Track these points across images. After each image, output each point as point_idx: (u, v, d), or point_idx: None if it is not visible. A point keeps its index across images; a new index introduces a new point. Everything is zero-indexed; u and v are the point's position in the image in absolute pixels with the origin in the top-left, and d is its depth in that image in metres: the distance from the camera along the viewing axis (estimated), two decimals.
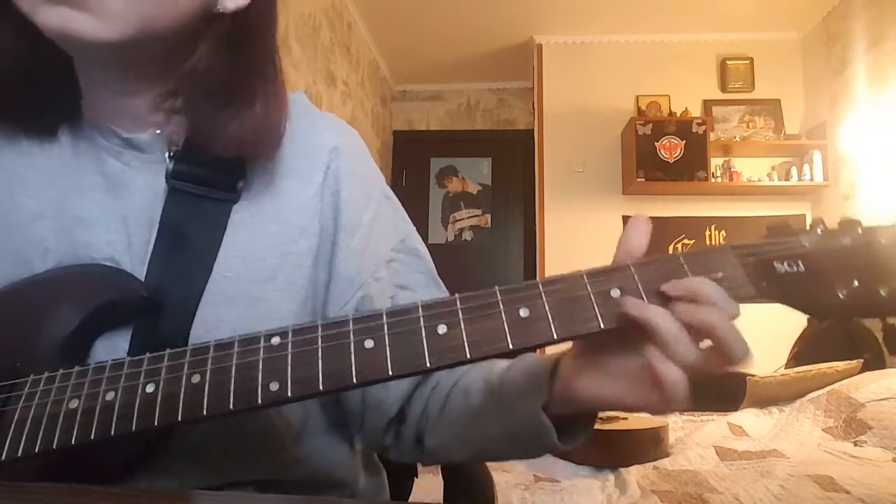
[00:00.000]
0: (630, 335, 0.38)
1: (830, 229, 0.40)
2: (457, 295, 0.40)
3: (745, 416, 2.11)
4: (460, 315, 0.39)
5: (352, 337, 0.39)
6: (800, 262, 0.39)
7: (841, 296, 0.37)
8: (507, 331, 0.38)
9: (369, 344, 0.38)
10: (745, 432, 1.98)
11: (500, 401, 0.49)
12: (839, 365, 2.11)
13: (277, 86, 0.54)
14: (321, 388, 0.38)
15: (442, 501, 0.69)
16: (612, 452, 1.75)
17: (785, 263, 0.39)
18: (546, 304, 0.39)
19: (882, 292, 0.37)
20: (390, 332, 0.39)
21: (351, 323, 0.39)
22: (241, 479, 0.52)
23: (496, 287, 0.40)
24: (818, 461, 1.63)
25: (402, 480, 0.75)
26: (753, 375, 2.29)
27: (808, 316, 0.39)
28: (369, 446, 0.62)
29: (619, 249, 0.41)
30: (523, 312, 0.38)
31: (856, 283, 0.37)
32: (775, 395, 2.17)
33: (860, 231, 0.39)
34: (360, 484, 0.62)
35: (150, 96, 0.52)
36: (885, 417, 1.76)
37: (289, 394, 0.38)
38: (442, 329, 0.38)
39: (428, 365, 0.38)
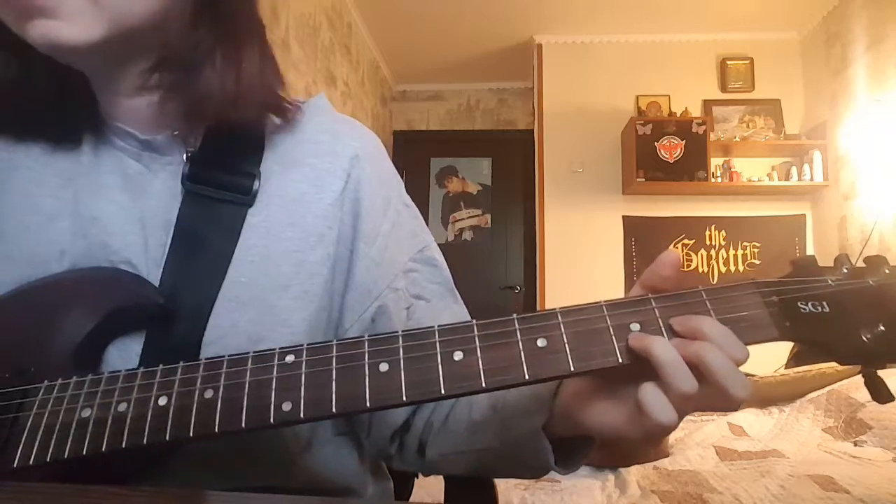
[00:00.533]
0: (642, 367, 0.37)
1: (856, 268, 0.39)
2: (474, 321, 0.39)
3: (745, 416, 2.11)
4: (477, 342, 0.38)
5: (366, 359, 0.39)
6: (825, 303, 0.38)
7: (865, 339, 0.36)
8: (523, 361, 0.38)
9: (384, 367, 0.38)
10: (745, 432, 1.98)
11: (502, 416, 0.49)
12: (839, 365, 2.11)
13: (254, 48, 0.53)
14: (334, 410, 0.37)
15: (442, 502, 0.69)
16: (612, 452, 1.75)
17: (809, 304, 0.38)
18: (564, 336, 0.38)
19: None
20: (406, 356, 0.38)
21: (366, 344, 0.39)
22: (248, 485, 0.51)
23: (514, 315, 0.39)
24: (818, 461, 1.63)
25: (403, 480, 0.75)
26: (753, 375, 2.29)
27: (830, 360, 0.39)
28: (374, 455, 0.62)
29: (644, 278, 0.40)
30: (540, 342, 0.38)
31: (881, 327, 0.36)
32: (775, 395, 2.17)
33: (887, 271, 0.38)
34: (367, 492, 0.62)
35: (140, 89, 0.51)
36: (885, 417, 1.76)
37: (301, 415, 0.37)
38: (458, 356, 0.38)
39: (442, 392, 0.37)
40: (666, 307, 0.38)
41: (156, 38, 0.49)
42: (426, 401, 0.38)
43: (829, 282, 0.38)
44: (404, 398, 0.37)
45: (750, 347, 0.37)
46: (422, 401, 0.38)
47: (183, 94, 0.50)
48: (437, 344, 0.39)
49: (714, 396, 0.35)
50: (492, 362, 0.38)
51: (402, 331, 0.40)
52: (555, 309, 0.39)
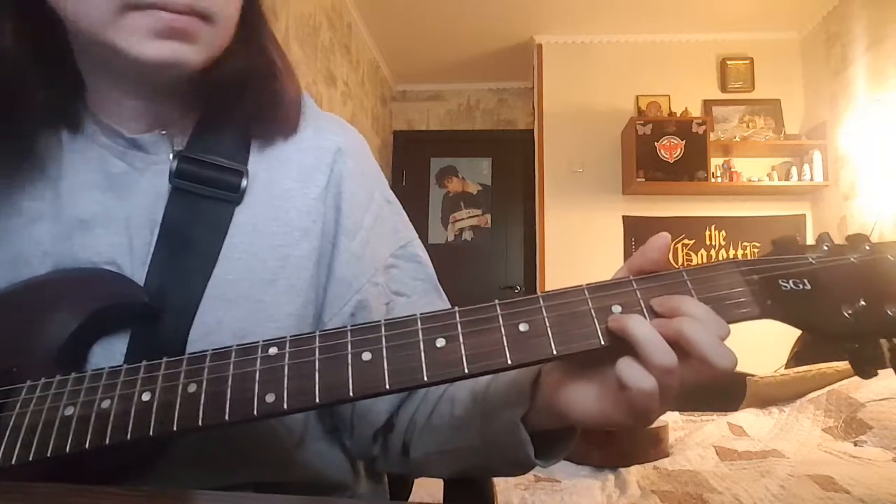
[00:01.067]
0: (625, 349, 0.37)
1: (837, 245, 0.39)
2: (456, 308, 0.40)
3: (745, 416, 2.11)
4: (459, 329, 0.38)
5: (349, 349, 0.39)
6: (806, 281, 0.38)
7: (847, 315, 0.36)
8: (506, 346, 0.38)
9: (367, 356, 0.38)
10: (745, 432, 1.98)
11: (483, 410, 0.48)
12: (839, 365, 2.11)
13: (284, 59, 0.58)
14: (318, 400, 0.37)
15: (442, 501, 0.69)
16: (612, 452, 1.75)
17: (790, 282, 0.38)
18: (546, 320, 0.38)
19: (890, 311, 0.36)
20: (388, 344, 0.38)
21: (349, 334, 0.39)
22: (240, 482, 0.51)
23: (496, 301, 0.39)
24: (818, 461, 1.63)
25: (402, 480, 0.75)
26: (753, 375, 2.29)
27: (812, 336, 0.39)
28: (358, 456, 0.61)
29: (632, 260, 0.40)
30: (523, 327, 0.38)
31: (862, 301, 0.36)
32: (775, 395, 2.17)
33: (867, 247, 0.38)
34: (360, 488, 0.62)
35: (173, 97, 0.53)
36: (885, 417, 1.76)
37: (285, 406, 0.38)
38: (440, 342, 0.38)
39: (425, 379, 0.37)
40: (647, 288, 0.38)
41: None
42: (410, 388, 0.38)
43: (810, 259, 0.39)
44: (387, 386, 0.37)
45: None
46: (405, 388, 0.38)
47: (213, 109, 0.54)
48: (420, 331, 0.39)
49: (699, 370, 0.35)
50: (474, 348, 0.38)
51: (385, 320, 0.40)
52: (537, 293, 0.39)
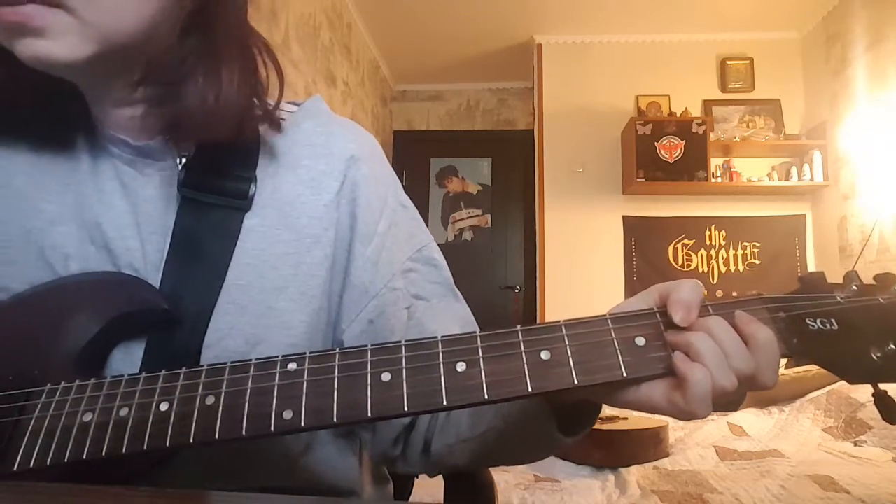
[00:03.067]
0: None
1: (866, 285, 0.39)
2: (477, 332, 0.39)
3: (745, 416, 2.11)
4: (480, 353, 0.38)
5: (369, 368, 0.38)
6: (833, 321, 0.37)
7: (875, 358, 0.36)
8: (526, 373, 0.37)
9: (386, 377, 0.38)
10: (745, 432, 1.98)
11: None
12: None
13: (234, 64, 0.51)
14: (335, 419, 0.37)
15: (442, 502, 0.69)
16: (612, 452, 1.75)
17: (818, 321, 0.37)
18: (568, 349, 0.38)
19: None
20: (408, 366, 0.38)
21: (369, 353, 0.39)
22: (248, 486, 0.51)
23: (518, 327, 0.39)
24: (818, 461, 1.63)
25: (402, 480, 0.75)
26: None
27: (838, 377, 0.38)
28: (377, 458, 0.61)
29: (662, 288, 0.40)
30: (545, 355, 0.38)
31: (891, 345, 0.36)
32: (775, 395, 2.17)
33: None
34: (365, 493, 0.62)
35: (125, 102, 0.51)
36: None
37: (302, 423, 0.37)
38: (461, 367, 0.38)
39: (444, 403, 0.37)
40: (671, 321, 0.38)
41: (144, 52, 0.48)
42: (427, 412, 0.38)
43: (838, 299, 0.38)
44: (406, 409, 0.37)
45: None
46: (423, 412, 0.38)
47: (166, 108, 0.50)
48: (440, 354, 0.38)
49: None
50: (495, 374, 0.37)
51: (405, 340, 0.39)
52: (559, 321, 0.39)
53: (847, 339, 0.37)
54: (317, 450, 0.56)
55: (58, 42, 0.43)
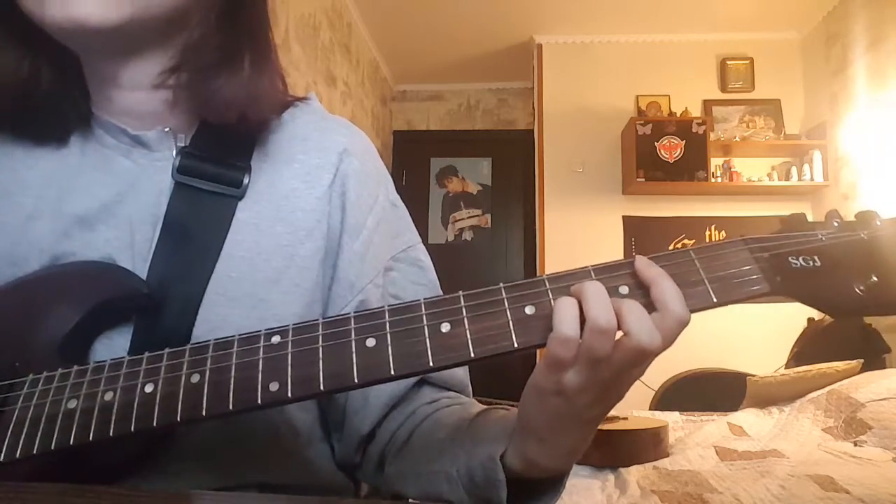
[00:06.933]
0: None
1: (847, 222, 0.39)
2: (461, 292, 0.39)
3: (745, 416, 2.11)
4: (464, 313, 0.38)
5: (353, 335, 0.38)
6: (816, 257, 0.37)
7: (858, 292, 0.36)
8: (512, 329, 0.37)
9: (371, 343, 0.38)
10: (745, 432, 1.98)
11: (465, 439, 0.47)
12: (839, 365, 2.11)
13: (270, 53, 0.55)
14: (322, 388, 0.37)
15: None
16: (612, 452, 1.75)
17: (800, 258, 0.37)
18: (552, 302, 0.37)
19: None
20: (392, 330, 0.38)
21: (352, 321, 0.39)
22: (245, 483, 0.51)
23: (501, 284, 0.39)
24: (818, 461, 1.62)
25: None
26: (753, 375, 2.29)
27: (823, 313, 0.38)
28: (342, 462, 0.60)
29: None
30: (529, 310, 0.38)
31: (874, 278, 0.36)
32: (775, 395, 2.17)
33: (878, 223, 0.38)
34: (363, 490, 0.62)
35: (154, 86, 0.52)
36: (885, 417, 1.76)
37: (289, 394, 0.37)
38: (445, 327, 0.38)
39: (431, 364, 0.37)
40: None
41: (177, 34, 0.50)
42: (415, 374, 0.38)
43: (820, 236, 0.38)
44: (392, 372, 0.37)
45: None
46: (411, 374, 0.38)
47: (198, 94, 0.51)
48: (424, 317, 0.38)
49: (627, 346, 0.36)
50: (480, 332, 0.37)
51: (388, 306, 0.39)
52: (542, 275, 0.39)
53: (830, 275, 0.37)
54: (315, 445, 0.56)
55: (94, 2, 0.43)
